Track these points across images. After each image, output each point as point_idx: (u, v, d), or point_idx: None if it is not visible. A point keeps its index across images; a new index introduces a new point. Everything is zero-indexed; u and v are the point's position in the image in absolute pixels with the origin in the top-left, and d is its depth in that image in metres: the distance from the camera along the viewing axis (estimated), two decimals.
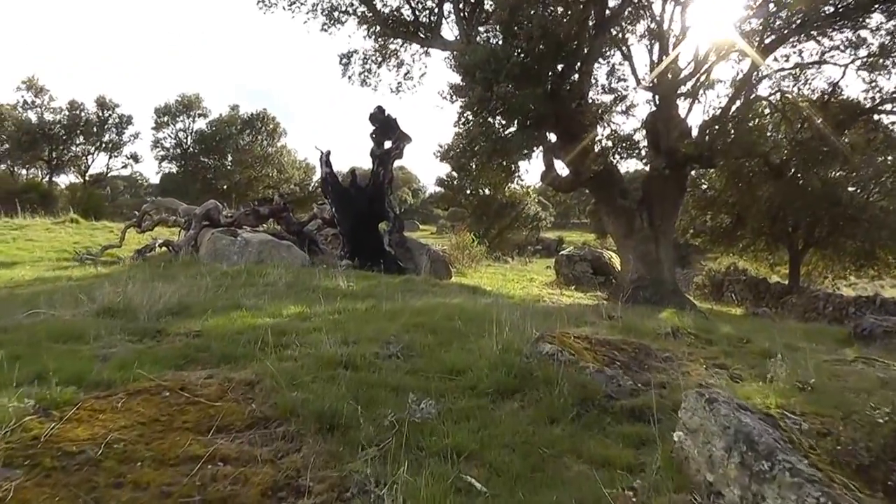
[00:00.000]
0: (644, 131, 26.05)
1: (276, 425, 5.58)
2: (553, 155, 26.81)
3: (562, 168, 27.01)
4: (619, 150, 24.24)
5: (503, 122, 23.36)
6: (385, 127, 23.73)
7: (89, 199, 55.14)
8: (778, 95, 26.82)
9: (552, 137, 26.22)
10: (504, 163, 25.97)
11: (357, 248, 22.51)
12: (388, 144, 23.71)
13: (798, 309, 33.57)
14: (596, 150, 24.83)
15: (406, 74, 28.66)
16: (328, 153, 23.82)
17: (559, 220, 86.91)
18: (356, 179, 24.06)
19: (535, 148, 24.67)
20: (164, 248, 22.27)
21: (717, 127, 24.14)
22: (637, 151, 23.84)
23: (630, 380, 6.84)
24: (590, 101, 25.24)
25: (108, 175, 69.97)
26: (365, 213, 22.90)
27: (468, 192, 59.85)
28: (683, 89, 25.82)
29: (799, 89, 26.62)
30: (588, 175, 24.86)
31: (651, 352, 7.76)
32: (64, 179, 68.41)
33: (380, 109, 23.90)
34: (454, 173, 56.55)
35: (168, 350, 7.57)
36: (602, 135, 24.96)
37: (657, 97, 25.49)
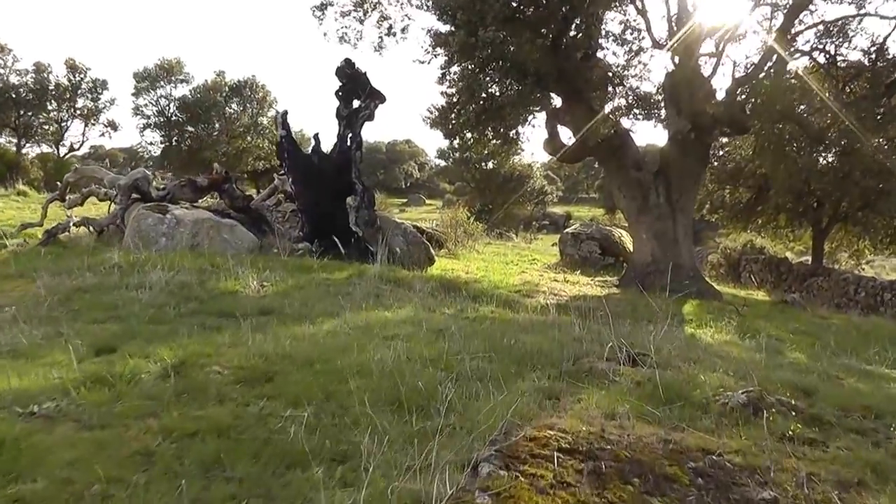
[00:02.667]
0: (662, 93, 22.44)
1: None
2: (557, 120, 23.27)
3: (568, 137, 23.53)
4: (635, 110, 20.38)
5: (494, 77, 19.65)
6: (353, 83, 19.92)
7: (62, 169, 51.15)
8: (819, 54, 22.90)
9: (556, 102, 22.65)
10: (499, 129, 22.29)
11: (319, 228, 18.80)
12: (356, 104, 19.90)
13: (826, 294, 30.38)
14: (607, 111, 21.16)
15: (389, 29, 24.54)
16: (285, 113, 20.04)
17: (567, 194, 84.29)
18: (320, 145, 20.32)
19: (534, 111, 20.87)
20: (82, 228, 18.46)
21: (748, 86, 20.35)
22: (657, 113, 19.93)
23: None
24: (601, 56, 21.58)
25: (84, 142, 65.97)
26: (330, 185, 19.15)
27: (471, 164, 56.71)
28: (707, 47, 22.09)
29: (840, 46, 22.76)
30: (597, 141, 21.09)
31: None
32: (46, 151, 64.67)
33: (348, 63, 20.05)
34: (455, 144, 53.02)
35: None
36: (615, 94, 21.11)
37: (676, 58, 21.82)
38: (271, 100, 69.43)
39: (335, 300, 9.46)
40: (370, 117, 19.75)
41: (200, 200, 20.31)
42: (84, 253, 13.76)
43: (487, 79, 19.65)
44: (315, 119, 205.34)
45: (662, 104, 22.35)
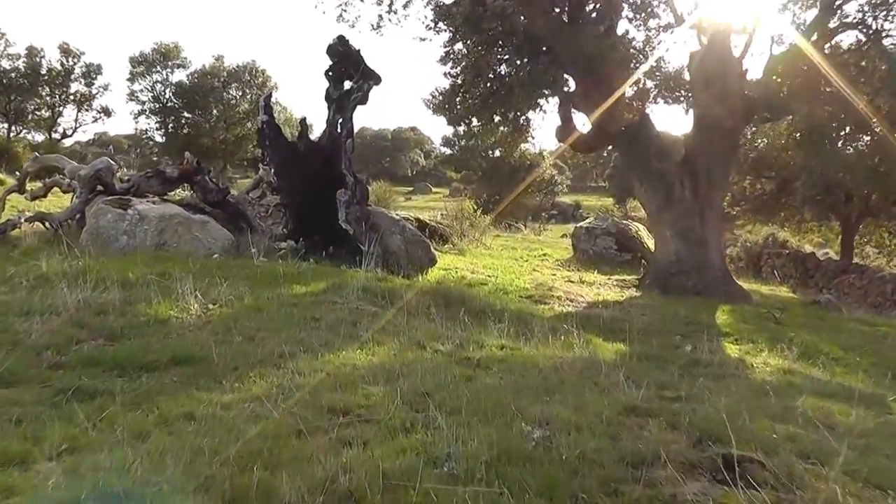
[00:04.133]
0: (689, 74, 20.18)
1: None
2: (572, 105, 21.07)
3: (583, 123, 21.35)
4: (663, 93, 18.16)
5: (503, 55, 17.51)
6: (345, 62, 17.75)
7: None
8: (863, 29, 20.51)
9: (570, 85, 20.47)
10: (508, 114, 20.14)
11: (304, 225, 16.74)
12: (348, 86, 17.75)
13: (858, 293, 28.16)
14: (629, 95, 19.00)
15: (390, 6, 22.24)
16: (268, 95, 17.95)
17: (575, 182, 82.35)
18: (307, 132, 18.17)
19: (547, 93, 18.67)
20: (38, 224, 16.33)
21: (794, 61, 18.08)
22: (687, 96, 17.69)
23: None
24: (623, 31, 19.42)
25: (77, 127, 63.93)
26: (317, 176, 17.02)
27: (477, 153, 54.78)
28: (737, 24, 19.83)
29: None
30: (618, 129, 18.91)
31: None
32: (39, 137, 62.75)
33: (340, 40, 17.88)
34: (460, 131, 51.14)
35: None
36: (639, 74, 18.89)
37: (702, 36, 19.61)
38: (272, 85, 67.49)
39: (295, 331, 7.33)
40: (363, 100, 17.58)
41: (173, 193, 18.22)
42: (22, 255, 11.64)
43: (496, 57, 17.46)
44: (319, 107, 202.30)
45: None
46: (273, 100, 60.18)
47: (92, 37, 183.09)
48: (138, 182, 16.52)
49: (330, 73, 17.94)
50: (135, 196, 16.00)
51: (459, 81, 19.20)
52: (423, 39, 19.62)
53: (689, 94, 18.27)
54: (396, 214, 18.89)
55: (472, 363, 6.71)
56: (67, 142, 69.65)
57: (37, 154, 18.78)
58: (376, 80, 17.73)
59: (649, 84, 18.79)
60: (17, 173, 24.08)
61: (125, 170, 19.22)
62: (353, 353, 6.67)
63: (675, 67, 18.96)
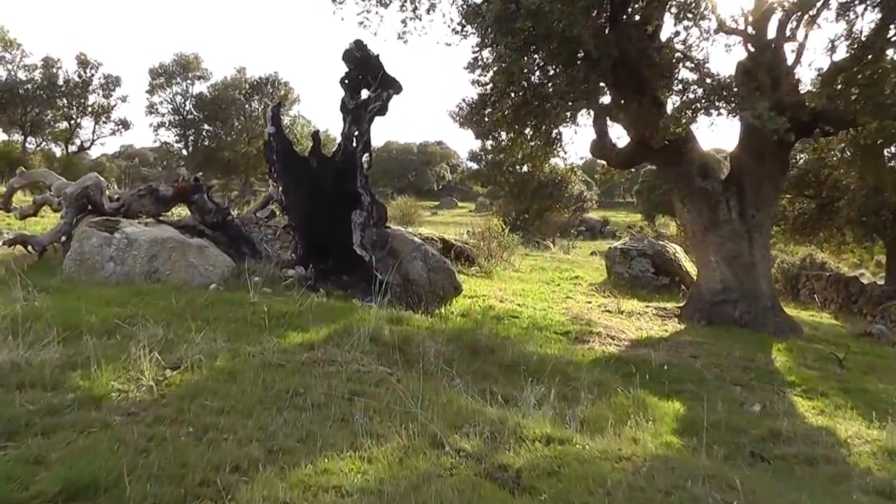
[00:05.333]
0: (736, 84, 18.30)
1: None
2: (609, 117, 19.35)
3: (617, 137, 19.82)
4: (715, 103, 16.32)
5: (537, 61, 15.79)
6: (363, 69, 16.07)
7: (67, 168, 47.82)
8: None
9: (606, 95, 18.74)
10: (541, 126, 18.39)
11: (315, 250, 15.05)
12: (366, 94, 16.09)
13: None
14: (674, 106, 17.19)
15: (414, 11, 20.42)
16: (277, 105, 16.32)
17: (602, 198, 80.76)
18: (320, 145, 16.51)
19: (584, 103, 16.87)
20: (19, 247, 14.71)
21: (855, 70, 16.18)
22: (743, 106, 15.81)
23: None
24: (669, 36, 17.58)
25: (95, 140, 62.70)
26: (330, 195, 15.38)
27: (504, 168, 53.38)
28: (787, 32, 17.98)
29: None
30: (660, 144, 17.11)
31: None
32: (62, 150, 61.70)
33: (358, 45, 16.20)
34: (487, 145, 49.71)
35: None
36: (685, 82, 17.06)
37: (749, 44, 17.80)
38: (294, 98, 66.38)
39: (268, 417, 5.49)
40: (382, 110, 15.87)
41: (170, 213, 16.58)
42: None
43: (530, 62, 15.72)
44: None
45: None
46: (295, 112, 57.64)
47: (110, 48, 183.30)
48: (129, 201, 14.84)
49: (346, 82, 16.26)
50: (125, 217, 14.35)
51: (489, 90, 17.44)
52: (449, 44, 17.78)
53: (737, 106, 16.38)
54: (418, 237, 17.10)
55: (510, 478, 4.87)
56: (94, 154, 68.99)
57: (22, 169, 17.14)
58: (397, 88, 16.05)
59: (692, 95, 16.79)
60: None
61: (115, 187, 17.48)
62: (340, 462, 4.83)
63: (723, 76, 16.98)
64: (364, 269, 14.23)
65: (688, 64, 17.15)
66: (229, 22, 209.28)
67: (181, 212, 17.99)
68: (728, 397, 10.76)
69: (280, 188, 15.63)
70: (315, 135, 17.03)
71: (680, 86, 16.96)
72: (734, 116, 16.82)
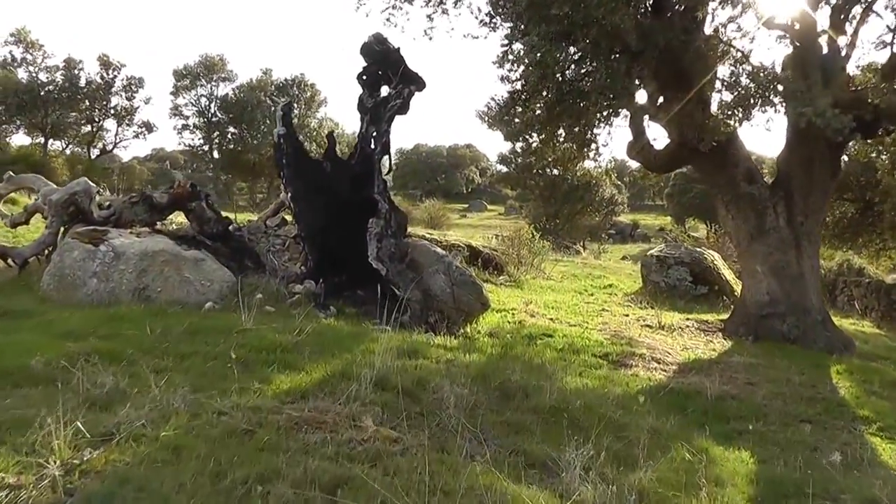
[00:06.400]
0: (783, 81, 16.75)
1: None
2: (648, 116, 17.83)
3: (654, 139, 18.39)
4: (770, 98, 14.81)
5: (573, 53, 14.31)
6: (382, 64, 14.70)
7: (90, 172, 46.67)
8: None
9: (644, 93, 17.24)
10: (574, 127, 16.94)
11: (328, 262, 13.69)
12: (386, 91, 14.70)
13: None
14: (722, 103, 15.67)
15: (440, 3, 18.94)
16: (287, 104, 14.93)
17: (632, 201, 79.31)
18: (335, 147, 15.12)
19: (625, 101, 15.38)
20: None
21: None
22: (804, 102, 14.23)
23: None
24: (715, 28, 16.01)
25: (118, 142, 61.89)
26: (346, 202, 14.02)
27: (534, 170, 52.22)
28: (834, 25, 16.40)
29: None
30: (708, 146, 15.55)
31: None
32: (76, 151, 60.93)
33: (377, 38, 14.84)
34: (517, 148, 48.65)
35: None
36: (736, 76, 15.51)
37: (794, 38, 16.26)
38: (321, 99, 65.51)
39: None
40: (402, 109, 14.45)
41: (168, 222, 15.22)
42: None
43: (565, 55, 14.21)
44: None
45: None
46: (322, 115, 56.36)
47: (133, 49, 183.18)
48: (121, 209, 13.44)
49: (364, 78, 14.91)
50: (117, 226, 12.99)
51: (520, 87, 15.96)
52: (476, 37, 16.24)
53: (796, 103, 14.83)
54: (440, 248, 15.59)
55: None
56: (125, 157, 68.20)
57: (10, 173, 15.79)
58: (419, 84, 14.63)
59: (743, 90, 15.25)
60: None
61: (108, 193, 16.15)
62: None
63: (777, 69, 15.45)
64: (381, 284, 12.83)
65: (738, 56, 15.57)
66: (255, 23, 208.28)
67: (183, 220, 16.58)
68: (799, 440, 9.23)
69: (289, 194, 14.27)
70: (330, 136, 15.64)
71: (731, 79, 15.36)
72: (785, 114, 15.33)
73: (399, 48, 14.78)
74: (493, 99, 17.96)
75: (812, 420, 10.44)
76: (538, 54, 13.28)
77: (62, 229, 13.63)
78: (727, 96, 15.74)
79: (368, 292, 12.93)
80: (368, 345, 7.94)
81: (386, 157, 14.51)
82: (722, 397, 10.68)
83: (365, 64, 14.95)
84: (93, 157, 59.24)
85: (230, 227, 14.25)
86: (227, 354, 7.43)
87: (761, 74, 14.86)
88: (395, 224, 13.73)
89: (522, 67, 15.43)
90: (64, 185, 15.98)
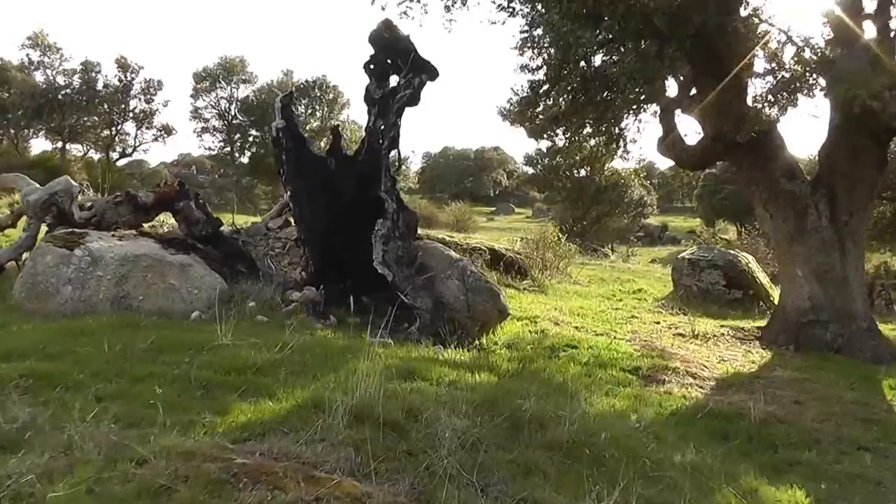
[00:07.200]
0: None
1: None
2: (680, 109, 16.64)
3: (685, 134, 17.06)
4: (817, 80, 13.60)
5: (599, 35, 13.08)
6: (391, 52, 13.56)
7: (109, 175, 45.93)
8: None
9: (671, 87, 16.13)
10: (602, 120, 15.81)
11: (331, 267, 12.60)
12: (395, 82, 13.57)
13: None
14: (763, 89, 14.43)
15: None
16: (288, 95, 13.84)
17: (661, 203, 78.00)
18: (340, 142, 14.02)
19: (654, 86, 14.20)
20: None
21: None
22: (857, 84, 12.98)
23: None
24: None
25: (137, 146, 61.25)
26: (351, 201, 12.94)
27: (561, 172, 51.33)
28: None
29: None
30: (746, 137, 14.32)
31: None
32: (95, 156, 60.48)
33: (386, 25, 13.71)
34: (542, 147, 47.67)
35: None
36: (777, 58, 14.23)
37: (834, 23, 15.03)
38: (343, 101, 64.60)
39: None
40: (412, 99, 13.29)
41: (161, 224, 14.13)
42: None
43: (590, 35, 12.97)
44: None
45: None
46: (345, 117, 55.71)
47: (151, 52, 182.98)
48: (103, 210, 12.30)
49: (371, 67, 13.77)
50: (99, 228, 11.89)
51: (542, 76, 14.82)
52: (494, 23, 15.07)
53: (848, 87, 13.63)
54: (454, 252, 14.38)
55: None
56: (152, 161, 67.81)
57: None
58: (431, 73, 13.45)
59: (787, 74, 14.01)
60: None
61: (90, 193, 15.13)
62: None
63: (819, 50, 14.16)
64: (387, 291, 11.70)
65: (780, 37, 14.30)
66: (276, 23, 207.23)
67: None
68: (859, 472, 8.00)
69: (289, 193, 13.17)
70: (335, 130, 14.51)
71: (772, 63, 14.07)
72: (831, 99, 14.10)
73: (409, 35, 13.67)
74: (512, 89, 16.75)
75: (870, 447, 9.16)
76: (559, 36, 12.12)
77: (46, 232, 12.60)
78: (763, 83, 14.52)
79: (375, 300, 11.84)
80: (361, 363, 6.69)
81: (394, 152, 13.40)
82: (767, 420, 9.40)
83: (373, 52, 13.86)
84: (113, 160, 58.65)
85: (221, 229, 13.13)
86: (189, 377, 6.31)
87: (806, 54, 13.56)
88: (403, 225, 12.57)
89: (545, 55, 14.35)
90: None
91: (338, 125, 14.58)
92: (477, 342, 11.99)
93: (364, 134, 13.95)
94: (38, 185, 13.25)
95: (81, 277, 10.51)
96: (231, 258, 12.26)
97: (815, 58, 13.57)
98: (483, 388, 7.23)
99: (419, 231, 14.49)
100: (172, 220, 14.15)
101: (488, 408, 6.31)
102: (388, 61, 13.79)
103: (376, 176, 12.96)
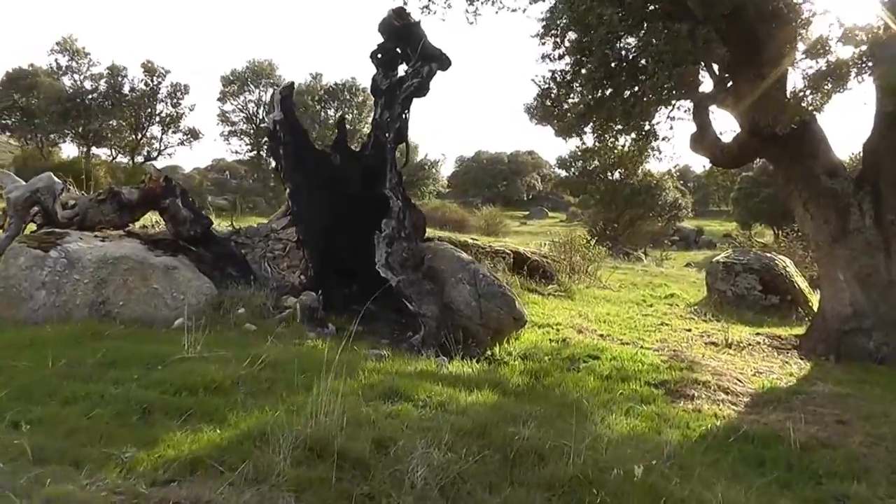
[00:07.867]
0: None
1: None
2: (711, 104, 15.62)
3: (721, 132, 16.04)
4: (867, 64, 12.55)
5: (625, 19, 12.08)
6: (400, 41, 12.75)
7: (130, 180, 45.52)
8: None
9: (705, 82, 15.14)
10: (628, 118, 14.79)
11: (332, 270, 11.82)
12: (403, 71, 12.70)
13: None
14: (806, 75, 13.33)
15: None
16: (288, 86, 13.00)
17: (696, 206, 76.84)
18: (346, 137, 13.17)
19: (686, 69, 13.17)
20: None
21: None
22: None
23: None
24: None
25: (163, 149, 60.96)
26: (355, 198, 12.09)
27: (594, 175, 50.60)
28: None
29: None
30: (786, 129, 13.24)
31: None
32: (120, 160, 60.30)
33: (398, 13, 12.86)
34: (572, 146, 46.75)
35: None
36: (823, 41, 13.10)
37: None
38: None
39: None
40: (420, 89, 12.40)
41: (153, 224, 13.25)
42: None
43: (615, 17, 11.93)
44: (430, 133, 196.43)
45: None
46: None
47: (176, 54, 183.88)
48: (86, 208, 11.41)
49: (379, 56, 12.92)
50: (81, 227, 11.04)
51: (565, 66, 13.85)
52: (514, 10, 14.10)
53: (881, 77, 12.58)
54: (466, 255, 13.37)
55: None
56: (186, 167, 67.53)
57: None
58: (441, 62, 12.55)
59: (833, 58, 12.90)
60: None
61: (74, 191, 14.28)
62: None
63: (870, 30, 13.00)
64: (391, 297, 10.80)
65: (827, 19, 13.17)
66: (305, 26, 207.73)
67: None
68: None
69: (287, 190, 12.30)
70: (340, 122, 13.79)
71: (817, 47, 12.95)
72: (880, 86, 13.03)
73: (419, 22, 12.80)
74: (532, 81, 15.71)
75: None
76: (578, 14, 11.14)
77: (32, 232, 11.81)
78: (806, 67, 13.42)
79: (381, 307, 10.91)
80: (338, 381, 5.72)
81: (402, 144, 12.55)
82: (809, 444, 8.22)
83: (381, 41, 12.99)
84: (138, 164, 58.49)
85: (220, 230, 12.29)
86: (129, 398, 5.43)
87: (857, 35, 12.46)
88: (409, 225, 11.65)
89: (566, 43, 13.39)
90: None
91: (342, 116, 13.72)
92: (489, 352, 11.03)
93: (371, 127, 13.09)
94: (22, 182, 12.45)
95: (57, 281, 9.74)
96: (223, 260, 11.37)
97: (866, 38, 12.44)
98: (476, 411, 6.19)
99: (427, 231, 13.61)
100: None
101: (478, 436, 5.29)
102: (398, 50, 13.00)
103: (381, 172, 12.09)
